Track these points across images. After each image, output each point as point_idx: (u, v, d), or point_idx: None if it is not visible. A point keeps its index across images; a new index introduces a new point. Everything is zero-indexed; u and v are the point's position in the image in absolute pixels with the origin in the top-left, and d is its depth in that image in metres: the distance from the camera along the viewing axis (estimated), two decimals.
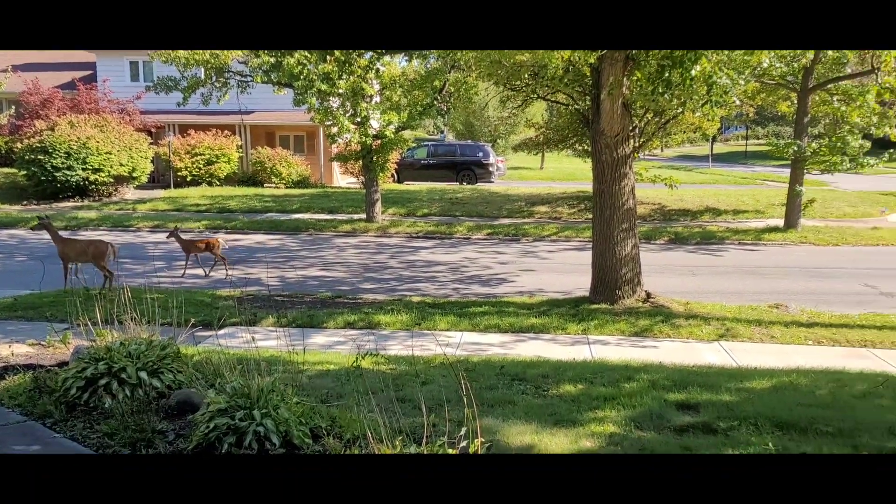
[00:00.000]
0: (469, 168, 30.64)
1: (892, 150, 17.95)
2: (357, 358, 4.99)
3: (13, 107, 28.56)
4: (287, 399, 4.91)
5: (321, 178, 30.07)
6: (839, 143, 17.67)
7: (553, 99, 19.88)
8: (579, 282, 12.15)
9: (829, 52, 16.34)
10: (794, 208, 18.52)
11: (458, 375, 4.68)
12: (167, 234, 14.24)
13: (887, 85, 13.12)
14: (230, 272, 13.26)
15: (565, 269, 14.25)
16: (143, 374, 5.23)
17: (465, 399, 4.08)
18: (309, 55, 13.19)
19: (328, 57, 12.21)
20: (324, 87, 15.78)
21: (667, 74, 9.86)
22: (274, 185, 27.88)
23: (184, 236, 14.43)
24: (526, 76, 16.02)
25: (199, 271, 13.44)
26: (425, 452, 3.86)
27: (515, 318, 10.07)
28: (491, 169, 30.76)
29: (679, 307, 10.64)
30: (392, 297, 11.75)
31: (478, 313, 10.35)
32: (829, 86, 18.31)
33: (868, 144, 18.11)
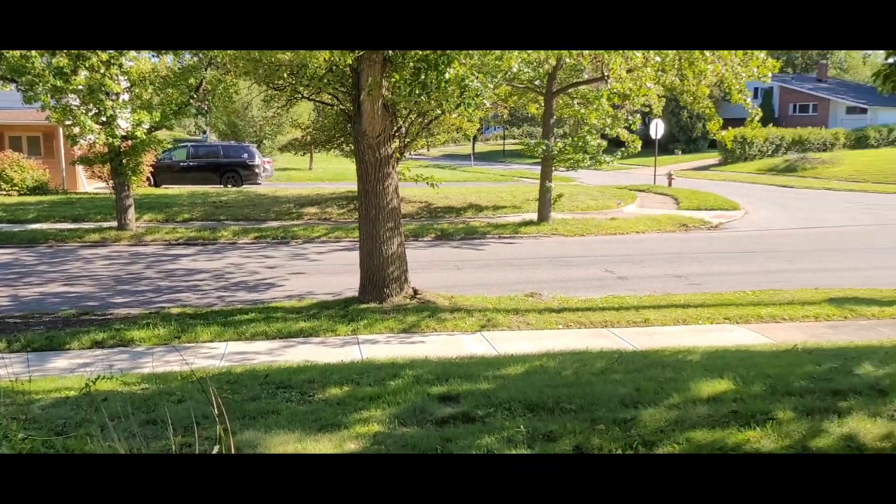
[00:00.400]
0: (233, 170, 29.46)
1: (624, 149, 20.10)
2: (88, 383, 4.49)
3: None
4: (11, 435, 4.31)
5: (63, 184, 27.21)
6: (580, 143, 19.41)
7: (318, 99, 19.65)
8: (349, 282, 12.14)
9: (568, 59, 17.85)
10: (545, 203, 20.07)
11: (207, 390, 4.41)
12: None
13: (615, 90, 14.62)
14: None
15: (335, 271, 14.18)
16: None
17: (217, 415, 3.85)
18: None
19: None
20: (58, 83, 14.20)
21: (423, 77, 10.11)
22: (4, 193, 24.69)
23: None
24: (286, 75, 15.70)
25: None
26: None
27: (284, 324, 9.80)
28: (257, 170, 29.83)
29: (445, 301, 11.02)
30: (148, 310, 10.90)
31: (244, 321, 9.93)
32: (569, 90, 20.09)
33: (605, 143, 20.10)
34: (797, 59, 73.38)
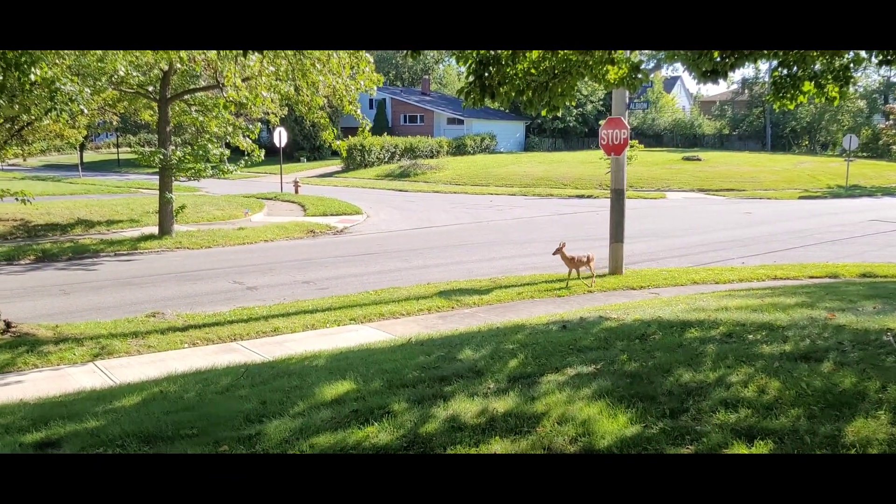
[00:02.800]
0: None
1: (247, 158, 19.89)
2: None
3: None
4: None
5: None
6: (202, 151, 18.74)
7: None
8: None
9: (179, 65, 17.04)
10: (166, 215, 18.92)
11: None
12: None
13: (232, 98, 14.37)
14: None
15: None
16: None
17: None
18: None
19: None
20: None
21: (1, 77, 8.75)
22: None
23: None
24: None
25: None
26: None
27: None
28: None
29: (48, 332, 9.69)
30: None
31: None
32: (186, 96, 19.21)
33: (228, 152, 19.66)
34: (405, 73, 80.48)
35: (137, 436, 4.92)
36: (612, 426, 4.55)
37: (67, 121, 11.02)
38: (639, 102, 22.50)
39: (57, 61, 10.94)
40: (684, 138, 62.48)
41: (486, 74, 6.74)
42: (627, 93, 14.05)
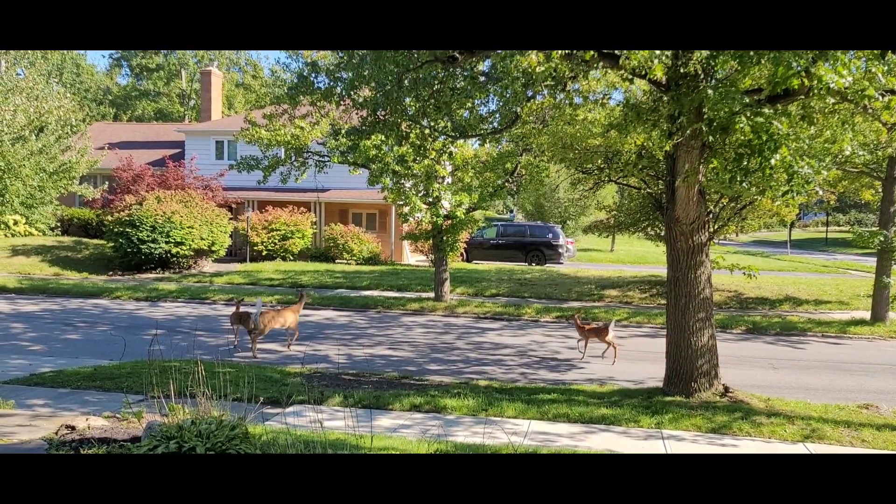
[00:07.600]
0: (538, 249, 30.62)
1: None
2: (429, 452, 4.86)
3: (107, 182, 30.34)
4: None
5: (391, 256, 30.53)
6: None
7: (625, 182, 19.83)
8: (651, 371, 11.75)
9: None
10: (881, 300, 17.66)
11: None
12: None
13: None
14: (300, 347, 13.40)
15: (637, 357, 13.85)
16: None
17: None
18: (385, 138, 13.51)
19: (403, 140, 12.51)
20: (398, 168, 16.20)
21: (745, 163, 9.67)
22: (345, 262, 28.43)
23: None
24: (599, 161, 16.10)
25: (273, 346, 13.67)
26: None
27: (585, 408, 9.74)
28: (560, 250, 30.66)
29: (759, 403, 10.12)
30: (458, 379, 11.60)
31: (546, 401, 10.07)
32: None
33: None
34: None
35: None
36: None
37: (794, 202, 11.37)
38: None
39: (789, 145, 11.45)
40: None
41: None
42: None
